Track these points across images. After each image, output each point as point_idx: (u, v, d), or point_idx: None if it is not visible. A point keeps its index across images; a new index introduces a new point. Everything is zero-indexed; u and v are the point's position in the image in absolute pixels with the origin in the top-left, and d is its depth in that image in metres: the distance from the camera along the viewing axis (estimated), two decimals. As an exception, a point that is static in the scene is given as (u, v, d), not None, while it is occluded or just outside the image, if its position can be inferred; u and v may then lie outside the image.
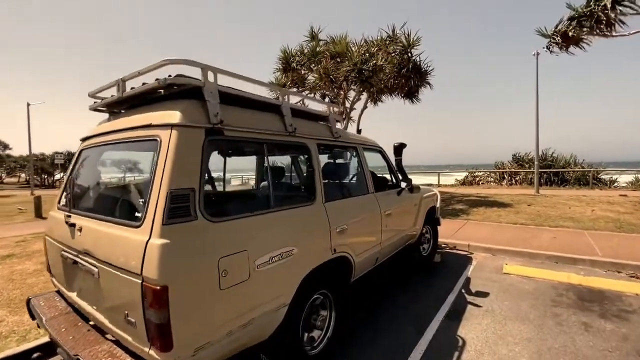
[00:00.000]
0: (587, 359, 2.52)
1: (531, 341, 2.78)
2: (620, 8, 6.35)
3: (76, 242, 1.96)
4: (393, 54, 9.67)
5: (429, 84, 10.82)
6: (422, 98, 11.60)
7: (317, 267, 2.30)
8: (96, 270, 1.75)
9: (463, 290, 3.89)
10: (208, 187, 2.81)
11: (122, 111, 2.30)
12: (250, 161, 2.86)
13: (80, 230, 1.94)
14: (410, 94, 11.27)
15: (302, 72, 10.60)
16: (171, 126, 1.66)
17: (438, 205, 4.93)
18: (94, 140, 2.31)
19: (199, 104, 1.78)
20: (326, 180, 3.07)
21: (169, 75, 1.73)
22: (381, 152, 3.86)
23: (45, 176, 40.13)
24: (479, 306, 3.46)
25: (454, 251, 5.62)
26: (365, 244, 3.00)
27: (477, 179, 20.53)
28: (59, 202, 2.43)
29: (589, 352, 2.60)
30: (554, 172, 17.31)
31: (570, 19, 6.91)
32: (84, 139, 2.47)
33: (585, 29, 6.86)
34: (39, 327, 2.32)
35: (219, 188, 3.12)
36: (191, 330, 1.51)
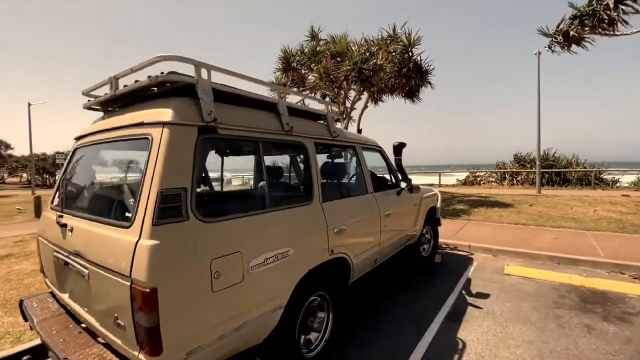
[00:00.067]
0: (589, 363, 2.48)
1: (533, 344, 2.73)
2: (623, 7, 6.29)
3: (67, 242, 1.93)
4: (394, 54, 9.63)
5: (429, 83, 10.78)
6: (423, 98, 11.58)
7: (314, 269, 2.26)
8: (86, 271, 1.71)
9: (463, 292, 3.84)
10: (202, 187, 2.77)
11: (117, 109, 2.26)
12: (247, 160, 2.82)
13: (71, 230, 1.90)
14: (411, 94, 11.23)
15: (303, 71, 10.58)
16: (163, 124, 1.62)
17: (438, 205, 4.89)
18: (88, 139, 2.27)
19: (191, 101, 1.74)
20: (324, 180, 3.03)
21: (162, 73, 1.69)
22: (380, 151, 3.82)
23: (47, 176, 40.29)
24: (480, 307, 3.41)
25: (455, 252, 5.57)
26: (364, 244, 2.96)
27: (479, 179, 20.47)
28: (52, 202, 2.40)
29: (591, 355, 2.55)
30: (556, 172, 17.23)
31: (572, 18, 6.85)
32: (77, 138, 2.44)
33: (587, 28, 6.81)
34: (31, 329, 2.29)
35: (213, 188, 3.07)
36: (182, 334, 1.47)
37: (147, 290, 1.36)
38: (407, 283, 4.15)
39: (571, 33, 6.85)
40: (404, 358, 2.57)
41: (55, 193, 2.38)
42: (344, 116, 10.74)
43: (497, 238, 5.96)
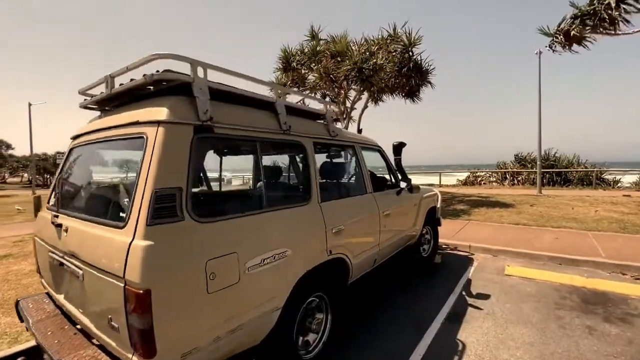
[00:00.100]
0: (591, 365, 2.45)
1: (533, 345, 2.70)
2: (624, 6, 6.26)
3: (62, 243, 1.91)
4: (394, 53, 9.60)
5: (430, 82, 10.74)
6: (423, 97, 11.54)
7: (312, 269, 2.23)
8: (81, 272, 1.69)
9: (464, 292, 3.81)
10: (198, 187, 2.75)
11: (113, 108, 2.24)
12: (244, 160, 2.79)
13: (66, 230, 1.88)
14: (411, 93, 11.19)
15: (303, 71, 10.56)
16: (158, 123, 1.60)
17: (439, 205, 4.86)
18: (84, 139, 2.25)
19: (187, 100, 1.72)
20: (323, 180, 3.00)
21: (157, 71, 1.67)
22: (380, 151, 3.79)
23: (48, 176, 40.38)
24: (480, 309, 3.38)
25: (455, 252, 5.54)
26: (363, 245, 2.93)
27: (479, 179, 20.44)
28: (48, 202, 2.38)
29: (593, 357, 2.52)
30: (557, 172, 17.20)
31: (574, 17, 6.82)
32: (74, 137, 2.42)
33: (588, 28, 6.78)
34: (27, 329, 2.27)
35: (210, 187, 3.05)
36: (176, 336, 1.45)
37: (141, 291, 1.33)
38: (406, 283, 4.12)
39: (572, 32, 6.82)
40: (403, 359, 2.55)
41: (52, 193, 2.36)
42: (344, 116, 10.71)
43: (498, 238, 5.93)
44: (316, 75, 9.95)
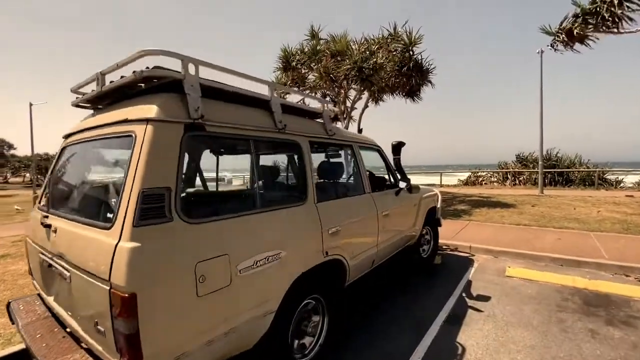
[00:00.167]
0: (593, 369, 2.39)
1: (535, 349, 2.64)
2: (628, 4, 6.18)
3: (51, 244, 1.86)
4: (394, 52, 9.54)
5: (430, 82, 10.68)
6: (424, 97, 11.48)
7: (308, 271, 2.19)
8: (68, 274, 1.65)
9: (464, 294, 3.76)
10: (188, 187, 2.69)
11: (105, 106, 2.20)
12: (237, 159, 2.74)
13: (55, 231, 1.84)
14: (412, 93, 11.13)
15: (303, 71, 10.51)
16: (146, 121, 1.55)
17: (439, 205, 4.80)
18: (75, 137, 2.21)
19: (178, 97, 1.67)
20: (320, 180, 2.94)
21: (147, 67, 1.63)
22: (379, 150, 3.74)
23: (49, 176, 40.43)
24: (480, 311, 3.32)
25: (455, 253, 5.48)
26: (361, 246, 2.88)
27: (480, 179, 20.35)
28: (39, 202, 2.34)
29: (595, 362, 2.47)
30: (559, 172, 17.10)
31: (576, 15, 6.75)
32: (66, 136, 2.38)
33: (591, 26, 6.70)
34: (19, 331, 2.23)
35: (201, 187, 3.00)
36: (164, 340, 1.40)
37: (126, 295, 1.29)
38: (406, 284, 4.07)
39: (575, 31, 6.75)
40: (402, 361, 2.50)
41: (42, 193, 2.32)
42: (345, 116, 10.66)
43: (499, 239, 5.87)
44: (316, 74, 9.90)
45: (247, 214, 1.89)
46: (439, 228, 4.92)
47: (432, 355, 2.58)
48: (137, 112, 1.64)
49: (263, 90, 2.21)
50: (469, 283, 4.09)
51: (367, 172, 3.28)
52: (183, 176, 1.61)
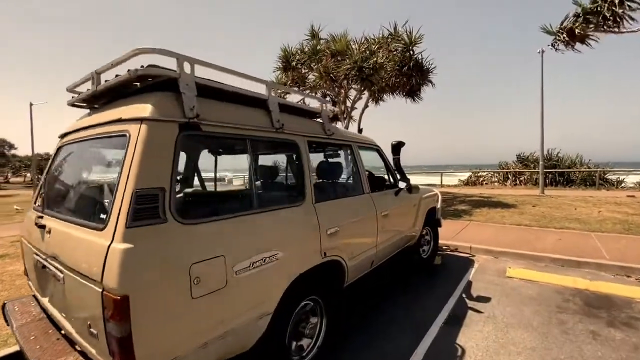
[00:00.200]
0: (595, 371, 2.37)
1: (535, 350, 2.62)
2: (629, 3, 6.15)
3: (45, 244, 1.84)
4: (394, 52, 9.52)
5: (430, 81, 10.65)
6: (424, 97, 11.45)
7: (306, 272, 2.16)
8: (62, 275, 1.63)
9: (464, 295, 3.73)
10: (183, 187, 2.67)
11: (101, 106, 2.17)
12: (234, 159, 2.72)
13: (49, 232, 1.82)
14: (412, 93, 11.11)
15: (303, 71, 10.48)
16: (141, 120, 1.53)
17: (439, 205, 4.77)
18: (71, 137, 2.19)
19: (173, 96, 1.65)
20: (318, 180, 2.92)
21: (141, 66, 1.60)
22: (378, 150, 3.71)
23: (50, 176, 40.45)
24: (480, 312, 3.30)
25: (456, 253, 5.45)
26: (360, 246, 2.86)
27: (481, 179, 20.31)
28: (35, 202, 2.32)
29: (597, 364, 2.44)
30: (560, 173, 17.06)
31: (577, 15, 6.72)
32: (62, 136, 2.36)
33: (592, 26, 6.67)
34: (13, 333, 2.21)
35: (196, 187, 2.97)
36: (157, 343, 1.38)
37: (118, 297, 1.26)
38: (406, 285, 4.04)
39: (576, 30, 6.72)
40: (401, 363, 2.48)
41: (38, 193, 2.30)
42: (345, 116, 10.64)
43: (499, 239, 5.84)
44: (316, 74, 9.88)
45: (243, 214, 1.87)
46: (439, 228, 4.90)
47: (431, 357, 2.56)
48: (131, 111, 1.61)
49: (261, 90, 2.19)
50: (469, 284, 4.06)
51: (367, 172, 3.25)
52: (178, 176, 1.59)
